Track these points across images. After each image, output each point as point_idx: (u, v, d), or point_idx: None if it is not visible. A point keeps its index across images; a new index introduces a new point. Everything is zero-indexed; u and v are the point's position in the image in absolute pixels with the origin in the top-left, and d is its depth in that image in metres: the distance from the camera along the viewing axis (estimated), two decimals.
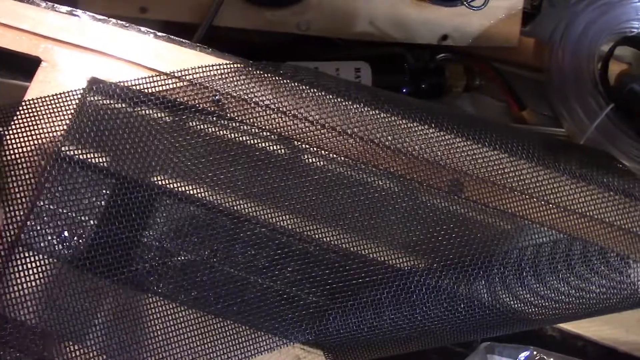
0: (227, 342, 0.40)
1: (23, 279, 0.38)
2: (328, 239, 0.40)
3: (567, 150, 0.42)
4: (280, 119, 0.40)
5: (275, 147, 0.41)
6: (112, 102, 0.40)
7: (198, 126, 0.41)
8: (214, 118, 0.40)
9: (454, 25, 0.60)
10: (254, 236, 0.41)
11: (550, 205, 0.39)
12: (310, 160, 0.40)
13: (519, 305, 0.41)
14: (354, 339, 0.41)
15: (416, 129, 0.39)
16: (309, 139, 0.40)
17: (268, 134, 0.40)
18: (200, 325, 0.40)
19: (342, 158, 0.39)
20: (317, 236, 0.41)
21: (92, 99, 0.40)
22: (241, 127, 0.41)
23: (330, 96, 0.40)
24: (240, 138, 0.41)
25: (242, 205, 0.41)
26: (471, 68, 0.63)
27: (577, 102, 0.59)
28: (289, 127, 0.40)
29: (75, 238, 0.41)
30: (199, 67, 0.40)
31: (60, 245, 0.40)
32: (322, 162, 0.40)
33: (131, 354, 0.39)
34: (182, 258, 0.41)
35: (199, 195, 0.40)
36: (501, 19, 0.61)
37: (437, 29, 0.60)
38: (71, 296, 0.40)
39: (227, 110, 0.40)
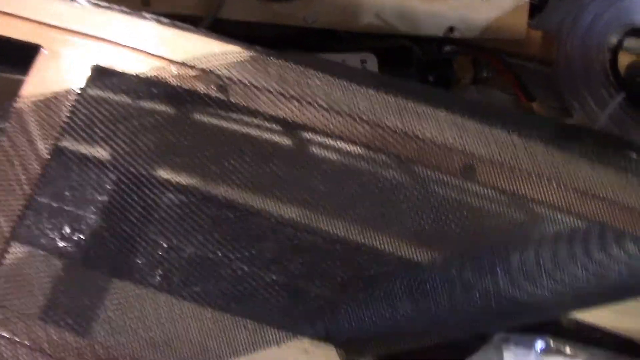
0: (230, 336, 0.39)
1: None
2: (337, 230, 0.40)
3: (581, 134, 0.41)
4: (286, 105, 0.39)
5: (281, 137, 0.40)
6: (115, 93, 0.39)
7: (203, 117, 0.40)
8: (219, 107, 0.40)
9: (461, 17, 0.60)
10: (260, 228, 0.40)
11: (567, 188, 0.38)
12: (317, 149, 0.40)
13: (536, 293, 0.40)
14: (365, 333, 0.40)
15: (426, 112, 0.38)
16: (317, 124, 0.39)
17: (274, 123, 0.40)
18: (205, 319, 0.39)
19: (351, 145, 0.38)
20: (325, 228, 0.40)
21: (94, 90, 0.39)
22: (246, 116, 0.40)
23: (337, 81, 0.39)
24: (246, 128, 0.40)
25: (248, 197, 0.40)
26: (479, 60, 0.62)
27: (588, 92, 0.59)
28: (295, 113, 0.39)
29: (77, 233, 0.40)
30: (205, 55, 0.39)
31: (61, 241, 0.40)
32: (330, 152, 0.40)
33: (133, 348, 0.38)
34: (187, 252, 0.40)
35: (204, 187, 0.40)
36: (508, 11, 0.60)
37: (443, 21, 0.60)
38: (73, 291, 0.38)
39: (233, 97, 0.39)
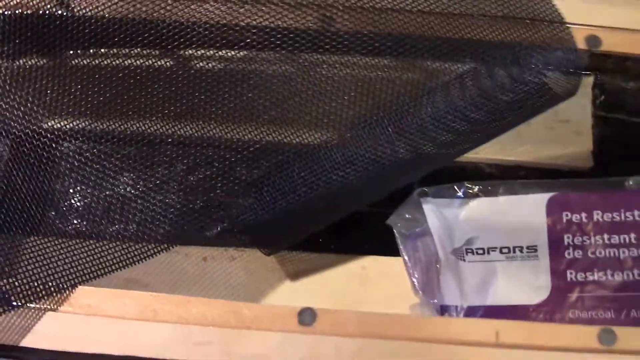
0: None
1: None
2: (227, 133, 0.39)
3: None
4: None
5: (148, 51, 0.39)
6: None
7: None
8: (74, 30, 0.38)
9: None
10: (162, 154, 0.40)
11: (430, 14, 0.37)
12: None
13: (436, 146, 0.39)
14: (279, 218, 0.39)
15: None
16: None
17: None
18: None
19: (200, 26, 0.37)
20: (211, 133, 0.39)
21: None
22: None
23: None
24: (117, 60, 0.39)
25: (142, 126, 0.39)
26: None
27: None
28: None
29: None
30: None
31: None
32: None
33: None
34: (97, 196, 0.39)
35: (98, 127, 0.39)
36: None
37: None
38: None
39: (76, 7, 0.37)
